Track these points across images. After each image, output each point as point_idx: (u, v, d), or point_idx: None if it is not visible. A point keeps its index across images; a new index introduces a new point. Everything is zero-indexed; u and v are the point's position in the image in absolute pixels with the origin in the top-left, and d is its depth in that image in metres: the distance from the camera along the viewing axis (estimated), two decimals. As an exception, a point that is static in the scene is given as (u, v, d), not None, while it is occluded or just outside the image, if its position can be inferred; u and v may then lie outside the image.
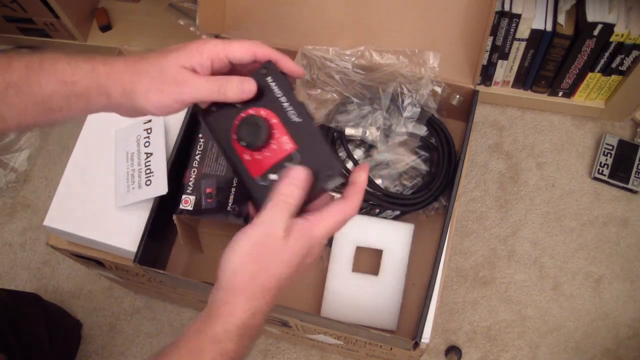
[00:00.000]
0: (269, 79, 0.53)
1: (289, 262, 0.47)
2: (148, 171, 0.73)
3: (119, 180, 0.75)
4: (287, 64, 0.53)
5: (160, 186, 0.71)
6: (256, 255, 0.47)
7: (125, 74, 0.50)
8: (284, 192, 0.48)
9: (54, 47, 1.48)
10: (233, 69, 0.53)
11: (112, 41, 1.42)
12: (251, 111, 0.53)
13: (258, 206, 0.51)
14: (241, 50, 0.52)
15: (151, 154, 0.74)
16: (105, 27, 1.42)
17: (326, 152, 0.50)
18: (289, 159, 0.52)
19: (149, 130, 0.75)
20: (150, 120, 0.77)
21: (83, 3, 1.40)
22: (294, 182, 0.49)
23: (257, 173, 0.53)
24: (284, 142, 0.52)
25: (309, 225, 0.48)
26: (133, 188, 0.73)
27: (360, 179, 0.51)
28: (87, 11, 1.43)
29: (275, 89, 0.53)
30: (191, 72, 0.50)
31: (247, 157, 0.53)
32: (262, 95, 0.53)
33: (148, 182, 0.72)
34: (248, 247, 0.47)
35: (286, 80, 0.53)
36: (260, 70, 0.53)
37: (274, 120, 0.52)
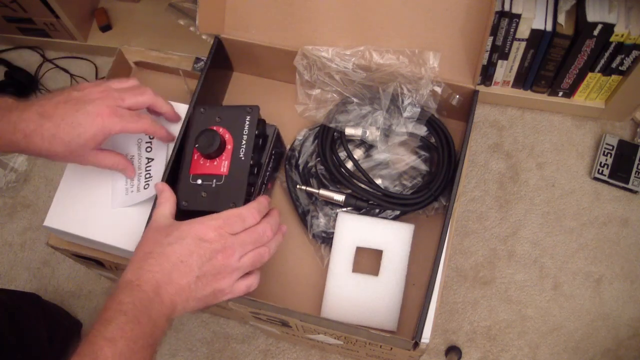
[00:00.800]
0: (248, 118, 0.68)
1: (170, 232, 0.59)
2: (148, 176, 0.73)
3: (117, 181, 0.75)
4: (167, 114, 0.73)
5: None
6: (149, 234, 0.61)
7: (42, 144, 0.61)
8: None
9: (54, 47, 1.48)
10: None
11: (112, 41, 1.42)
12: (220, 129, 0.68)
13: (175, 191, 0.67)
14: (136, 129, 0.66)
15: (152, 159, 0.74)
16: (105, 27, 1.42)
17: (243, 187, 0.65)
18: (218, 178, 0.66)
19: (151, 136, 0.75)
20: None
21: (83, 3, 1.40)
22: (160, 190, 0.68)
23: (193, 171, 0.68)
24: (222, 165, 0.67)
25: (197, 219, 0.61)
26: (132, 191, 0.73)
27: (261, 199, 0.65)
28: (87, 11, 1.43)
29: (247, 128, 0.68)
30: (95, 151, 0.65)
31: (195, 157, 0.68)
32: (235, 126, 0.68)
33: (146, 186, 0.72)
34: (147, 232, 0.63)
35: (258, 128, 0.68)
36: (247, 107, 0.68)
37: (229, 146, 0.67)
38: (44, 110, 0.61)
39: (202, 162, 0.68)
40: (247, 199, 0.67)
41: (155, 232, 0.60)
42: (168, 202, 0.64)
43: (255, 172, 0.69)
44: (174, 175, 0.74)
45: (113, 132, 0.63)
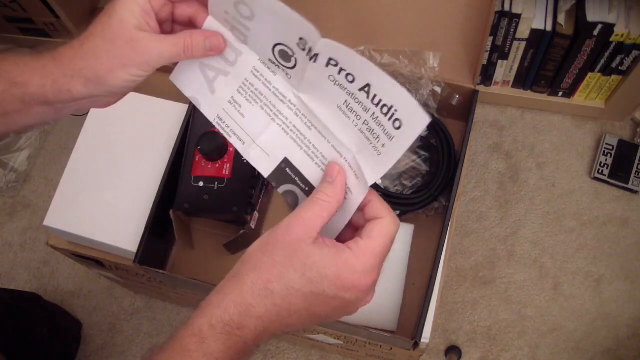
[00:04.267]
0: None
1: (303, 271, 0.39)
2: (386, 110, 0.43)
3: (360, 149, 0.45)
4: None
5: (419, 117, 0.41)
6: (269, 245, 0.40)
7: (79, 61, 0.44)
8: (324, 192, 0.42)
9: (53, 47, 1.48)
10: (173, 16, 0.48)
11: (112, 41, 1.42)
12: None
13: (178, 195, 0.63)
14: None
15: (368, 85, 0.43)
16: (105, 27, 1.42)
17: (245, 190, 0.61)
18: (220, 181, 0.63)
19: (333, 63, 0.43)
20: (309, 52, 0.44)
21: (83, 3, 1.40)
22: (337, 183, 0.43)
23: (195, 173, 0.67)
24: (224, 167, 0.64)
25: (348, 253, 0.40)
26: (383, 145, 0.43)
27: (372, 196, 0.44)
28: (87, 11, 1.43)
29: None
30: (144, 32, 0.44)
31: (197, 158, 0.67)
32: None
33: (397, 125, 0.42)
34: (266, 237, 0.41)
35: None
36: None
37: (231, 149, 0.65)
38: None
39: (203, 164, 0.68)
40: (249, 202, 0.66)
41: (287, 259, 0.39)
42: (325, 210, 0.41)
43: (257, 174, 0.69)
44: (174, 175, 0.74)
45: None
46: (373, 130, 0.43)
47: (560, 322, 1.17)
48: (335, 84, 0.44)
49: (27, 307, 1.03)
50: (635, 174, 1.24)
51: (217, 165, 0.67)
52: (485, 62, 1.21)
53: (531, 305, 1.19)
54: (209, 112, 0.49)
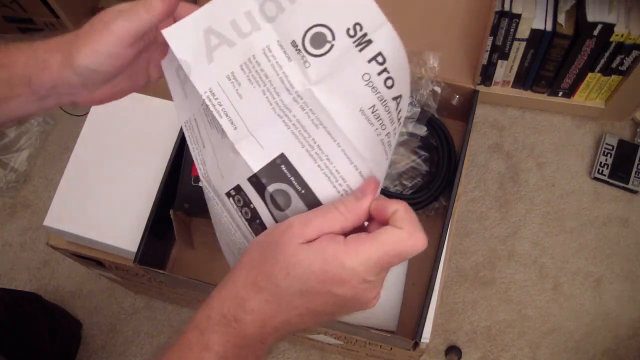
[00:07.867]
0: None
1: (287, 270, 0.38)
2: (399, 125, 0.42)
3: (377, 162, 0.41)
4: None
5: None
6: (265, 241, 0.40)
7: (62, 44, 0.45)
8: (344, 204, 0.39)
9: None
10: None
11: (112, 41, 1.42)
12: None
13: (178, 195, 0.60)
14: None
15: (401, 96, 0.41)
16: (105, 27, 1.42)
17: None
18: None
19: (380, 60, 0.39)
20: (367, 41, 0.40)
21: (83, 3, 1.40)
22: (364, 202, 0.39)
23: (195, 173, 0.65)
24: None
25: (339, 246, 0.37)
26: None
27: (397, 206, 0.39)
28: (87, 11, 1.43)
29: None
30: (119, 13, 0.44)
31: None
32: None
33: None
34: (269, 230, 0.40)
35: None
36: None
37: None
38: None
39: None
40: None
41: (274, 258, 0.39)
42: (338, 222, 0.39)
43: None
44: (174, 175, 0.74)
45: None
46: (391, 145, 0.40)
47: (560, 322, 1.17)
48: (368, 84, 0.39)
49: (27, 307, 1.03)
50: (635, 174, 1.24)
51: None
52: (485, 62, 1.21)
53: (531, 305, 1.19)
54: (200, 82, 0.41)
